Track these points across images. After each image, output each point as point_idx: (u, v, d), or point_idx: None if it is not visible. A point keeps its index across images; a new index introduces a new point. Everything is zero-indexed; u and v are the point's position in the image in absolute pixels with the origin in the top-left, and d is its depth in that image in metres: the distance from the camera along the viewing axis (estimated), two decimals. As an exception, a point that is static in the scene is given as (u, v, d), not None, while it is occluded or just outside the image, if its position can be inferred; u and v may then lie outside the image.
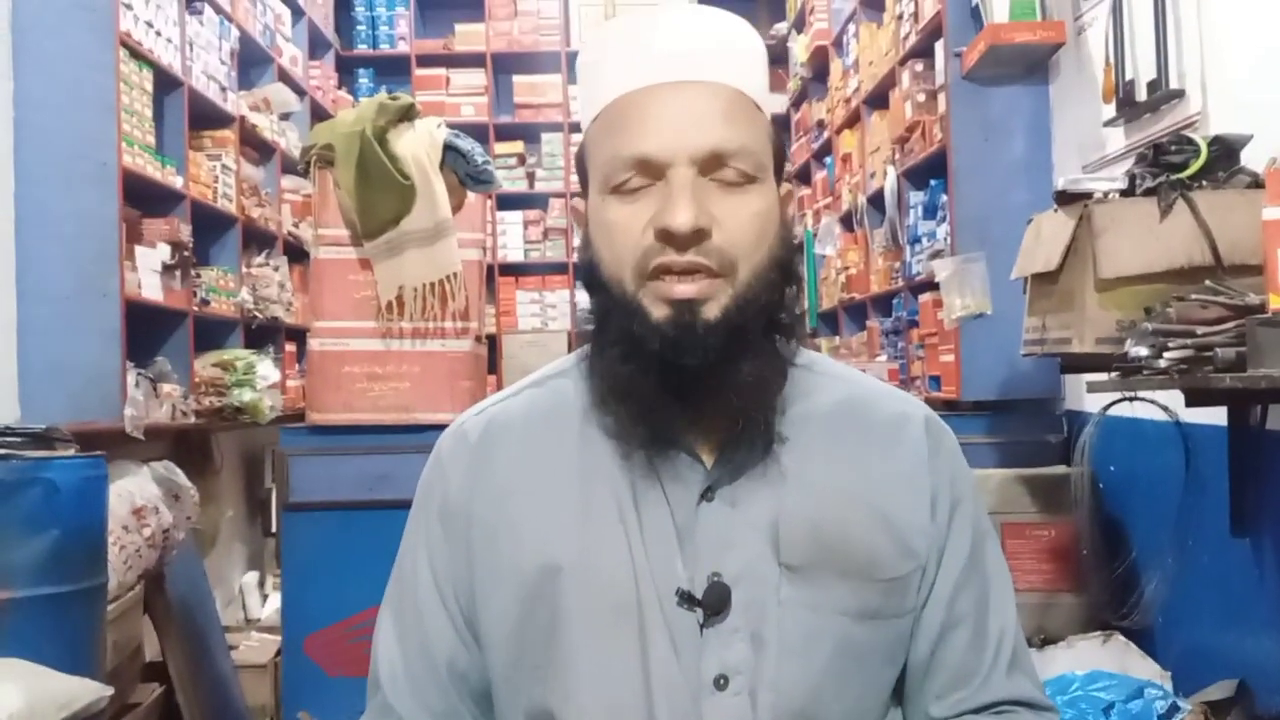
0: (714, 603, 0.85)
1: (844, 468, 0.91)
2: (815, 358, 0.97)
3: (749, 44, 0.92)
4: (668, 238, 0.83)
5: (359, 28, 6.31)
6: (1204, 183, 2.06)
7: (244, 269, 4.23)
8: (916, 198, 3.81)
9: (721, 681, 0.85)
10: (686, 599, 0.85)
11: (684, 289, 0.83)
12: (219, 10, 4.07)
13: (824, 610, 0.86)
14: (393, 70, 6.23)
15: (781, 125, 6.20)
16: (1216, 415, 2.23)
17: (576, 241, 0.97)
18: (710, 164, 0.85)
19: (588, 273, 0.89)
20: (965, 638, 0.92)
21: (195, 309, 3.68)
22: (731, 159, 0.85)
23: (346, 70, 6.23)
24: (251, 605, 4.65)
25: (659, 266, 0.83)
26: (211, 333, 3.96)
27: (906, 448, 0.93)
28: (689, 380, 0.84)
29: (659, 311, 0.84)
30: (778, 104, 6.18)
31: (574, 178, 6.73)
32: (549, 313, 6.31)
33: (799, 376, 0.93)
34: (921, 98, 3.70)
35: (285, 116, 4.86)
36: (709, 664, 0.85)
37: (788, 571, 0.86)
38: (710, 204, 0.84)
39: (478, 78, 6.29)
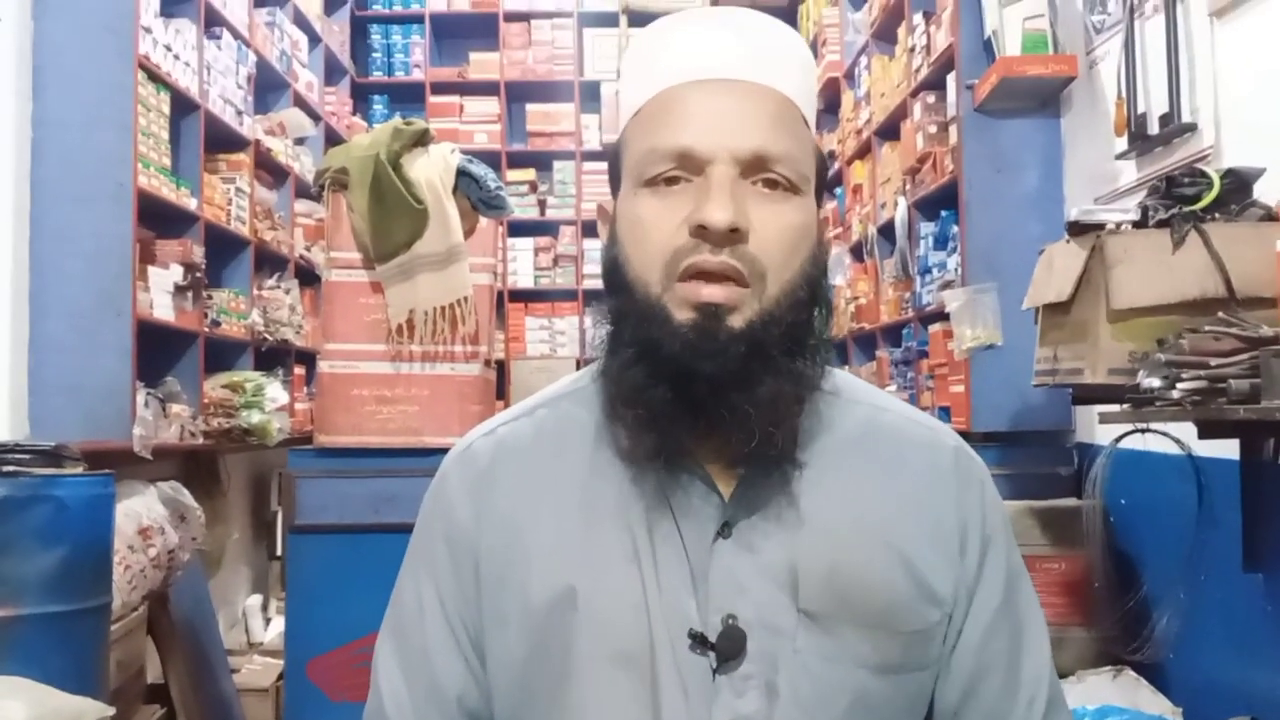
0: (728, 648, 0.81)
1: (867, 506, 0.86)
2: (842, 382, 0.93)
3: (801, 56, 0.88)
4: (702, 234, 0.79)
5: (374, 55, 6.37)
6: (1217, 215, 2.06)
7: (255, 291, 4.25)
8: (927, 228, 3.82)
9: None
10: (700, 642, 0.81)
11: (712, 292, 0.79)
12: (237, 35, 4.11)
13: (841, 662, 0.82)
14: (407, 97, 6.28)
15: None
16: (1229, 449, 2.22)
17: (601, 240, 0.91)
18: (752, 166, 0.81)
19: (611, 272, 0.85)
20: (997, 684, 0.87)
21: (206, 330, 3.69)
22: (775, 164, 0.81)
23: (361, 97, 6.28)
24: (255, 629, 4.63)
25: (690, 267, 0.79)
26: (221, 354, 3.98)
27: (934, 482, 0.88)
28: (704, 391, 0.79)
29: (682, 314, 0.80)
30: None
31: (585, 205, 6.75)
32: (558, 339, 6.32)
33: (823, 404, 0.88)
34: (933, 129, 3.71)
35: (300, 141, 4.91)
36: (720, 713, 0.80)
37: (805, 619, 0.82)
38: (748, 207, 0.80)
39: (491, 106, 6.33)
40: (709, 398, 0.80)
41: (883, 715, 0.84)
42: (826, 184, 0.91)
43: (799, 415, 0.84)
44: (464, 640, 0.88)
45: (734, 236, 0.79)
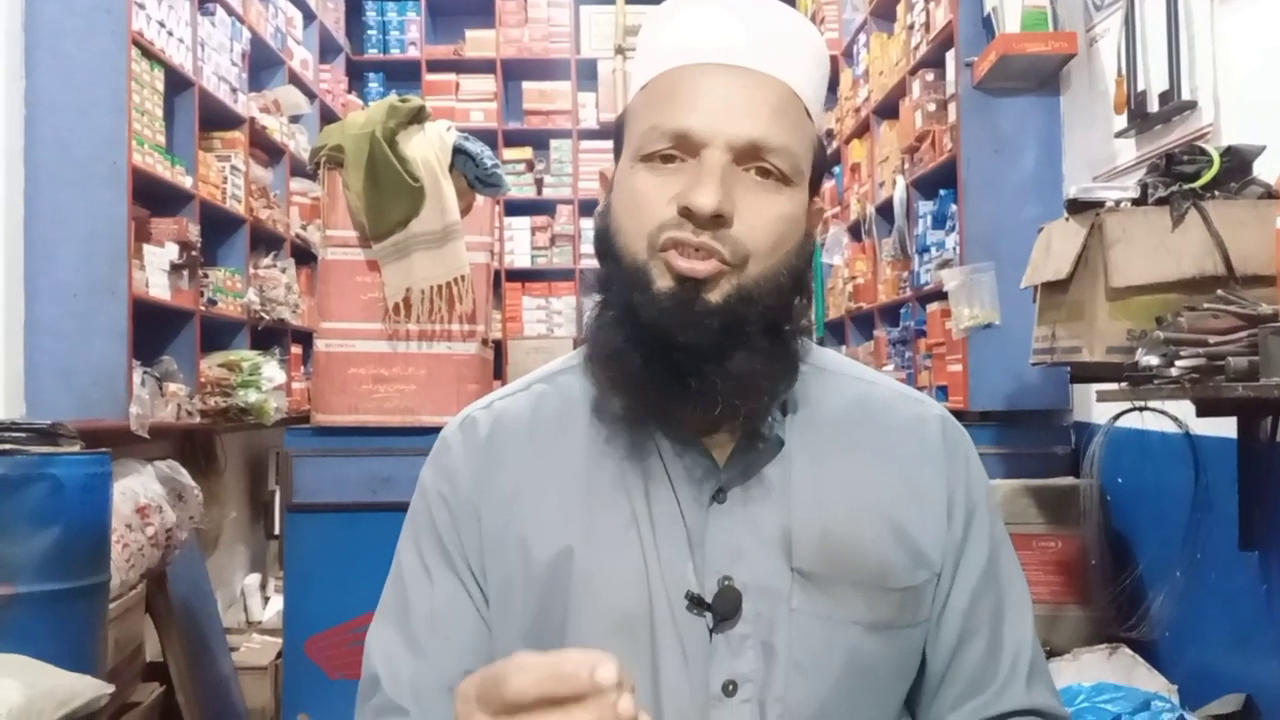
0: (724, 608, 0.83)
1: (857, 473, 0.88)
2: (829, 357, 0.96)
3: (814, 48, 0.89)
4: (688, 214, 0.81)
5: (370, 32, 6.32)
6: (1216, 193, 2.06)
7: (251, 270, 4.23)
8: (925, 207, 3.81)
9: (730, 688, 0.83)
10: (697, 603, 0.83)
11: (691, 265, 0.81)
12: (231, 12, 4.08)
13: (836, 621, 0.84)
14: (403, 75, 6.24)
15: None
16: (1226, 427, 2.22)
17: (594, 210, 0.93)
18: (747, 154, 0.83)
19: (602, 238, 0.88)
20: (981, 648, 0.90)
21: (202, 309, 3.68)
22: (770, 154, 0.83)
23: (356, 74, 6.24)
24: (253, 608, 4.64)
25: (671, 240, 0.82)
26: (218, 333, 3.97)
27: (921, 452, 0.91)
28: (678, 358, 0.81)
29: (663, 282, 0.82)
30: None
31: (583, 184, 6.68)
32: (555, 319, 6.31)
33: (810, 377, 0.91)
34: (932, 108, 3.69)
35: (295, 119, 4.88)
36: (717, 671, 0.83)
37: (800, 579, 0.84)
38: (738, 194, 0.82)
39: (487, 84, 6.29)
40: (682, 366, 0.82)
41: (876, 673, 0.86)
42: (823, 174, 0.92)
43: (773, 392, 0.86)
44: (474, 590, 0.89)
45: (718, 221, 0.81)
